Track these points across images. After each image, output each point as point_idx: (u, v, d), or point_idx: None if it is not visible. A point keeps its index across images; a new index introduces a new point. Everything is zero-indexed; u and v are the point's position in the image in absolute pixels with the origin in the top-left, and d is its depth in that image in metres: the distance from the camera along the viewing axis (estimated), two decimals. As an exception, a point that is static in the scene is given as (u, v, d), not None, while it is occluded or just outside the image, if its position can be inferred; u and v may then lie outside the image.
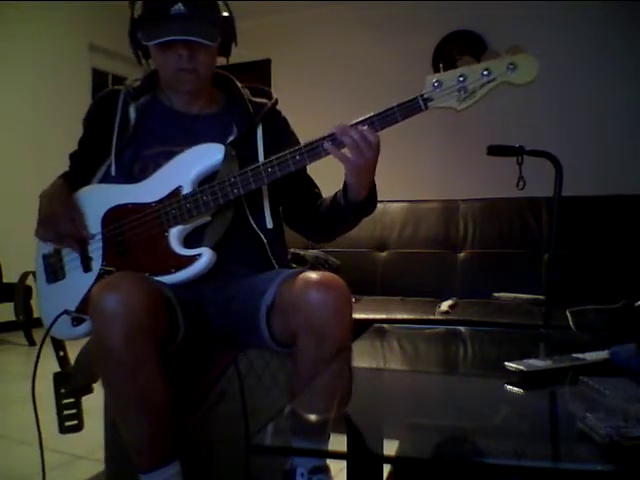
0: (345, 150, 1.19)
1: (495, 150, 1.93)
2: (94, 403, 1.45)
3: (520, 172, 1.86)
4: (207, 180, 1.28)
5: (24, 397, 1.34)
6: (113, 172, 1.35)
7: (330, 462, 1.13)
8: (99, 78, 5.05)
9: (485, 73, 1.13)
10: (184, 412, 1.22)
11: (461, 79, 1.14)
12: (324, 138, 1.20)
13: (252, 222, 1.34)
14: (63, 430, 1.45)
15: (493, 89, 1.14)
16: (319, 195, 1.46)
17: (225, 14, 1.35)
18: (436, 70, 1.16)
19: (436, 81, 1.15)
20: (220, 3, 1.35)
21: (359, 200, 1.27)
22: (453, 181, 4.35)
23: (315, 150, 1.20)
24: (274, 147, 1.32)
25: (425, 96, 1.16)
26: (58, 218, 1.29)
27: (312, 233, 1.49)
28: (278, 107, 1.47)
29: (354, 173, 1.21)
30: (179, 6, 1.25)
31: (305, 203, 1.43)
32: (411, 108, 1.16)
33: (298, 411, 0.83)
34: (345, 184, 1.27)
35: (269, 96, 1.47)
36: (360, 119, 1.18)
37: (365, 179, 1.24)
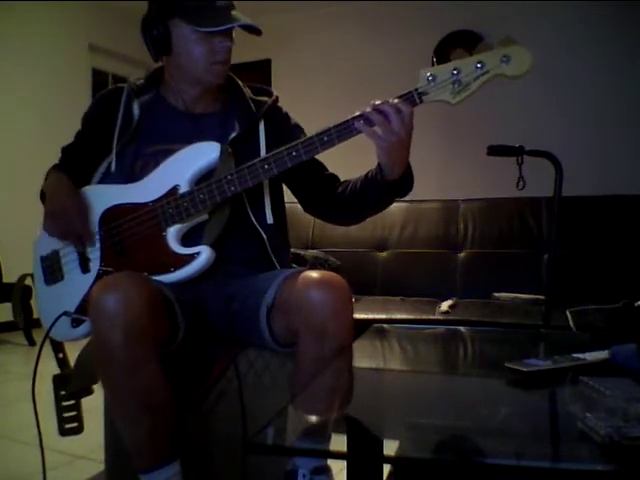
0: (376, 128, 1.15)
1: (495, 150, 1.93)
2: (94, 403, 1.45)
3: (520, 172, 1.86)
4: (204, 178, 1.28)
5: (24, 397, 1.34)
6: (113, 169, 1.35)
7: (330, 462, 1.13)
8: (99, 78, 5.04)
9: (479, 66, 1.13)
10: (184, 412, 1.22)
11: (455, 72, 1.13)
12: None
13: (252, 218, 1.34)
14: (63, 432, 1.45)
15: (487, 82, 1.13)
16: (334, 177, 1.44)
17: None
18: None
19: (430, 75, 1.14)
20: None
21: (393, 179, 1.23)
22: (453, 181, 4.35)
23: (311, 146, 1.20)
24: (277, 143, 1.32)
25: (420, 90, 1.15)
26: (68, 213, 1.29)
27: (336, 216, 1.46)
28: (279, 104, 1.47)
29: (386, 151, 1.17)
30: None
31: (320, 186, 1.41)
32: (406, 102, 1.15)
33: (299, 411, 0.83)
34: (379, 163, 1.23)
35: (270, 94, 1.47)
36: (356, 114, 1.17)
37: (399, 157, 1.19)
